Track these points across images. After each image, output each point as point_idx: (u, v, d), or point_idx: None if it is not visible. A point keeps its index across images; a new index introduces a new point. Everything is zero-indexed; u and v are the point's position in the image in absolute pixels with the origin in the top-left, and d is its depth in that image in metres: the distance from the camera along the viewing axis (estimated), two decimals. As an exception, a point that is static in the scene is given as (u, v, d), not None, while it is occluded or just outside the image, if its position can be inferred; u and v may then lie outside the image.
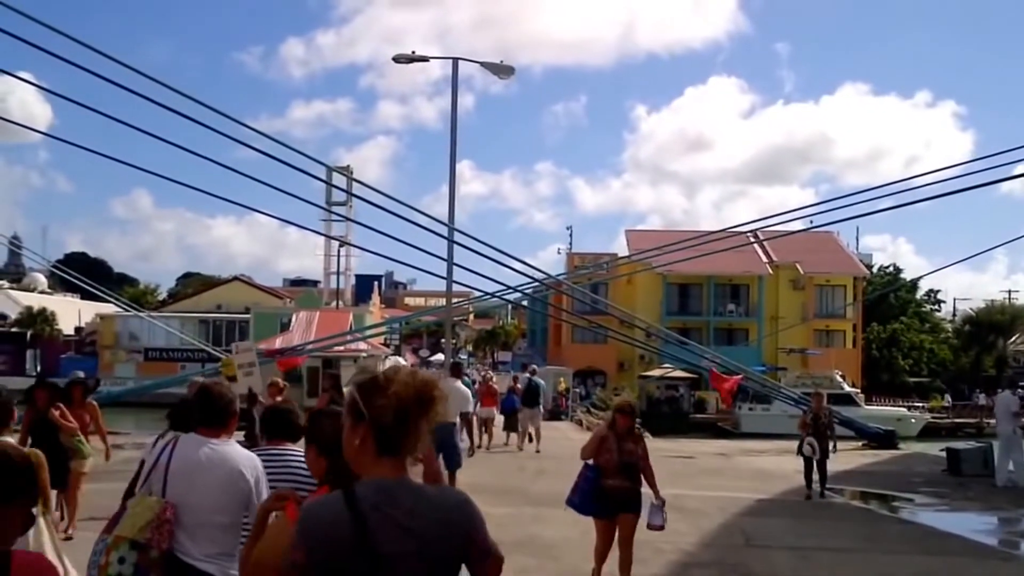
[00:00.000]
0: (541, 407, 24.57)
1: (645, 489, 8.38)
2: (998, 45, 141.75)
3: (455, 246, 21.32)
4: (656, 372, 47.44)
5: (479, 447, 21.82)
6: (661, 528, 8.43)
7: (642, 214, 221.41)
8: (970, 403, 54.35)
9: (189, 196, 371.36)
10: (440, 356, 39.36)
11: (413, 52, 22.47)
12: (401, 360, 27.09)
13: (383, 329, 50.02)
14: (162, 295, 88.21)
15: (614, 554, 8.31)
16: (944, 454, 20.53)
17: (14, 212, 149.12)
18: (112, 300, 36.67)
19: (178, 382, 26.71)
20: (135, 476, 5.01)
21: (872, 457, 23.86)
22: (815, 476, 15.71)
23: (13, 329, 57.60)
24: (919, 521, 14.56)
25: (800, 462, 15.93)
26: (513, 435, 23.29)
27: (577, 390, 46.69)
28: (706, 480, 17.94)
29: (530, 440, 22.77)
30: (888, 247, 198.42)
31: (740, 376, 29.02)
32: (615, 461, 8.14)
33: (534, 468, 18.50)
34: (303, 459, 3.91)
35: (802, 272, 57.52)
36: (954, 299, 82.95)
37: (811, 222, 30.81)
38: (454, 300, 24.59)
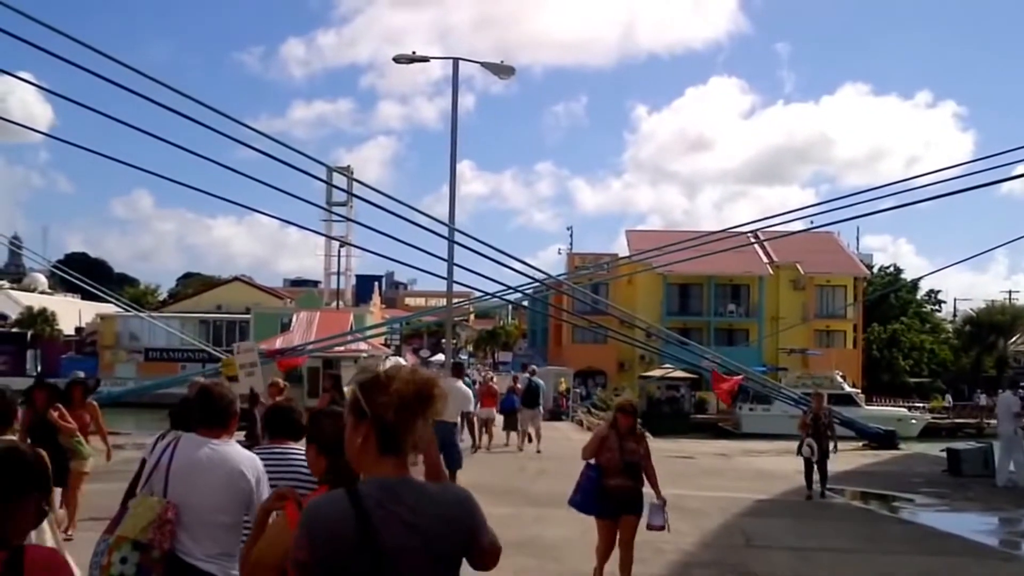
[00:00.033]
0: (541, 407, 24.57)
1: (647, 489, 8.38)
2: (998, 45, 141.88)
3: (455, 246, 21.33)
4: (657, 372, 47.47)
5: (479, 448, 21.83)
6: (661, 528, 8.40)
7: (642, 214, 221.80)
8: (970, 403, 54.40)
9: (189, 196, 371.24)
10: (441, 356, 39.32)
11: (413, 52, 22.47)
12: (402, 360, 27.02)
13: (383, 329, 50.01)
14: (162, 295, 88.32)
15: (614, 554, 8.30)
16: (944, 454, 20.54)
17: (15, 212, 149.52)
18: (112, 300, 36.70)
19: (178, 382, 26.66)
20: (135, 476, 5.02)
21: (872, 457, 23.87)
22: (815, 476, 15.72)
23: (14, 329, 57.65)
24: (919, 521, 14.56)
25: (800, 462, 15.94)
26: (513, 435, 23.30)
27: (578, 390, 46.68)
28: (707, 480, 17.94)
29: (530, 440, 22.77)
30: (889, 247, 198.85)
31: (740, 376, 29.02)
32: (617, 460, 8.13)
33: (535, 468, 18.50)
34: (305, 458, 3.92)
35: (802, 272, 57.52)
36: (955, 299, 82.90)
37: (811, 222, 30.81)
38: (454, 300, 24.58)
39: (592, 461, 8.34)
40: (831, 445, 15.93)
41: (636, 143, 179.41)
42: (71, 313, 60.67)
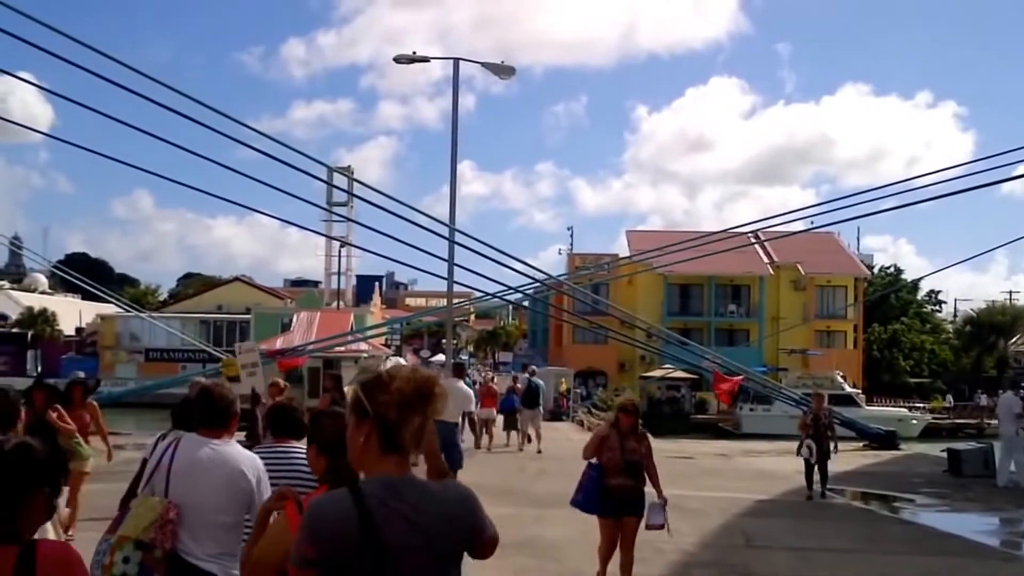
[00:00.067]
0: (541, 408, 24.59)
1: (648, 488, 8.38)
2: (998, 45, 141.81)
3: (456, 246, 21.35)
4: (657, 373, 47.45)
5: (479, 449, 21.84)
6: (661, 527, 8.38)
7: (643, 214, 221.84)
8: (971, 404, 54.38)
9: (190, 196, 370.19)
10: (441, 357, 39.32)
11: (414, 52, 22.49)
12: (402, 361, 27.14)
13: (384, 330, 50.00)
14: (163, 295, 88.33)
15: (615, 556, 8.30)
16: (945, 455, 20.54)
17: (15, 212, 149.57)
18: (113, 300, 36.72)
19: (179, 383, 26.67)
20: (136, 477, 5.03)
21: (873, 458, 23.88)
22: (816, 477, 15.73)
23: (14, 330, 57.62)
24: (920, 522, 14.56)
25: (800, 463, 15.95)
26: (514, 435, 23.32)
27: (578, 391, 46.74)
28: (707, 481, 17.95)
29: (530, 441, 22.77)
30: (889, 248, 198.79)
31: (741, 377, 29.03)
32: (618, 460, 8.14)
33: (535, 469, 18.51)
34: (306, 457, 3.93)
35: (803, 273, 57.53)
36: (955, 300, 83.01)
37: (812, 223, 30.90)
38: (455, 300, 24.60)
39: (593, 461, 8.35)
40: (832, 445, 15.94)
41: (636, 143, 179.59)
42: (71, 313, 60.67)
